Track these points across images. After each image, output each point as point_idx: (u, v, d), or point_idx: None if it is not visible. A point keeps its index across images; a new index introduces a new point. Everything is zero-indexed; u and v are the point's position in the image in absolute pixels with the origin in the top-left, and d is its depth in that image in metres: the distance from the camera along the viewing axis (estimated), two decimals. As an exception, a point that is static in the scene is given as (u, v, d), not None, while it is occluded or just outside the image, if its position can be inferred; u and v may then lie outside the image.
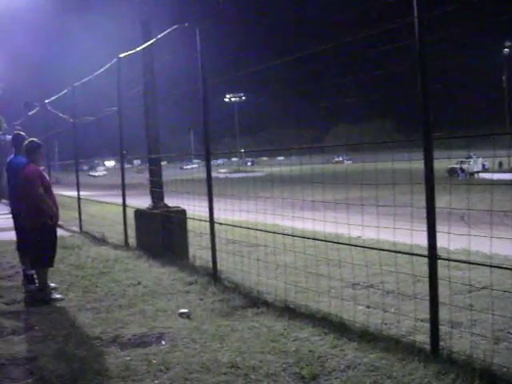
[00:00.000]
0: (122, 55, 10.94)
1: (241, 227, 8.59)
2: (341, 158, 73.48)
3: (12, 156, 9.07)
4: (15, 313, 7.07)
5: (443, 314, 5.12)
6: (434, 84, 5.03)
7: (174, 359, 5.10)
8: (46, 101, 16.78)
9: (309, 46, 6.51)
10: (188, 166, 75.48)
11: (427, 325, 4.94)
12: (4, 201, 22.52)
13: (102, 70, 12.09)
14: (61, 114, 15.53)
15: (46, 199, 7.75)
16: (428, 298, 4.84)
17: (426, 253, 4.84)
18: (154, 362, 5.07)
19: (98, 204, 19.37)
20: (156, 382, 4.63)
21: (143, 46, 9.99)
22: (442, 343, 4.79)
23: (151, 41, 9.62)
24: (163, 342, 5.65)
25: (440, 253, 4.93)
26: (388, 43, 5.68)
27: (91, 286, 8.17)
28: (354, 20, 6.39)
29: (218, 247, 8.52)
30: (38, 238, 7.68)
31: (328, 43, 6.13)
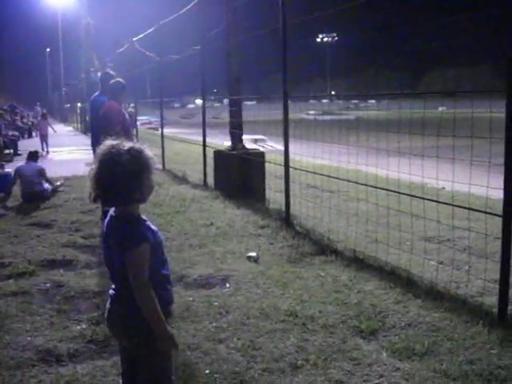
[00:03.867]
0: (205, -8, 10.80)
1: (314, 173, 8.43)
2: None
3: (96, 94, 9.26)
4: (91, 247, 7.31)
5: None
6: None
7: (235, 303, 5.11)
8: (134, 39, 16.93)
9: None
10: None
11: (498, 287, 4.69)
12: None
13: (185, 8, 12.01)
14: (147, 53, 15.66)
15: (121, 136, 7.85)
16: (501, 258, 4.60)
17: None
18: (215, 304, 5.11)
19: (184, 142, 19.62)
20: (214, 324, 4.66)
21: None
22: (511, 307, 4.54)
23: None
24: (227, 285, 5.68)
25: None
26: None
27: (166, 224, 8.30)
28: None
29: (294, 192, 8.43)
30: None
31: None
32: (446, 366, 3.82)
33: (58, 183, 11.76)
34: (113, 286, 2.87)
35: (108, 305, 2.89)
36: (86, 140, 28.79)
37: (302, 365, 3.96)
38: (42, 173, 10.92)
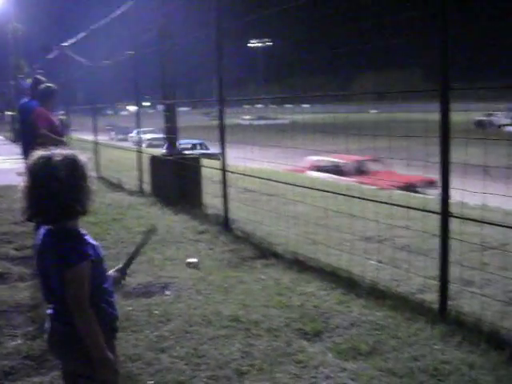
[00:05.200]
0: (137, -4, 10.63)
1: (252, 176, 8.40)
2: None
3: (25, 100, 8.95)
4: (24, 259, 7.02)
5: (455, 272, 4.92)
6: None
7: (176, 311, 5.00)
8: (64, 44, 16.51)
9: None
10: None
11: (438, 283, 4.75)
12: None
13: (118, 12, 11.78)
14: (78, 58, 15.31)
15: (50, 137, 7.56)
16: (438, 255, 4.67)
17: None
18: (156, 312, 4.99)
19: (119, 149, 19.26)
20: (155, 333, 4.54)
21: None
22: (451, 303, 4.61)
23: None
24: (167, 293, 5.56)
25: (458, 208, 4.72)
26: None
27: (102, 232, 8.09)
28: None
29: (232, 196, 8.37)
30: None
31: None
32: (392, 363, 3.84)
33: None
34: (50, 305, 2.70)
35: (47, 325, 2.71)
36: (17, 149, 27.97)
37: (248, 370, 3.90)
38: None
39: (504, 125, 43.52)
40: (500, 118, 45.43)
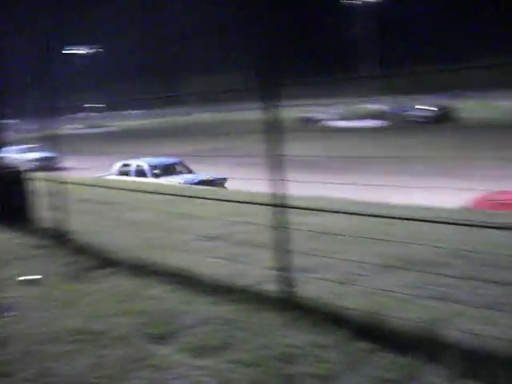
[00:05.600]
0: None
1: (84, 185, 8.22)
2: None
3: None
4: None
5: (295, 260, 5.15)
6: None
7: (20, 331, 4.76)
8: None
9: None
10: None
11: (279, 273, 4.96)
12: None
13: None
14: None
15: None
16: (277, 246, 4.89)
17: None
18: (-3, 336, 4.72)
19: None
20: (-2, 358, 4.30)
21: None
22: (294, 290, 4.83)
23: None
24: (8, 313, 5.28)
25: (293, 199, 4.99)
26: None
27: None
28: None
29: (69, 208, 8.11)
30: None
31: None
32: (244, 355, 3.94)
33: None
34: None
35: None
36: None
37: (99, 382, 3.82)
38: None
39: (321, 120, 46.65)
40: (319, 113, 48.47)
